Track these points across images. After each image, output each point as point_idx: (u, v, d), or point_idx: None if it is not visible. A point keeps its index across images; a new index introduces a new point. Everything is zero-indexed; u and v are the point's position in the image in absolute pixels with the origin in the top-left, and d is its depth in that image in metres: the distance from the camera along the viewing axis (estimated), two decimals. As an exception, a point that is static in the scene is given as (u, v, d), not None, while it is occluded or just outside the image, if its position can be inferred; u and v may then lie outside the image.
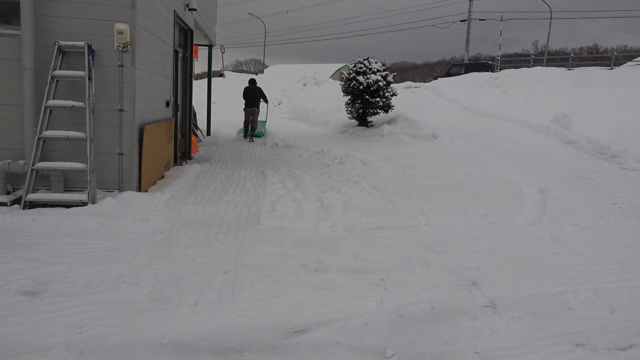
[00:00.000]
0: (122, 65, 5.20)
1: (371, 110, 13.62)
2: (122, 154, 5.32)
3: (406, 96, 18.48)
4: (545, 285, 3.50)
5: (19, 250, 3.66)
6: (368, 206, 5.51)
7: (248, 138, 12.28)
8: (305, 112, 18.62)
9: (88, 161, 4.88)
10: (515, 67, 24.19)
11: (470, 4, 32.68)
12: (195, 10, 8.34)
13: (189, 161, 8.53)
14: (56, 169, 4.98)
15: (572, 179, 7.71)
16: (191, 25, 8.63)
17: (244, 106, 12.41)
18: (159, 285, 3.21)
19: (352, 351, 2.55)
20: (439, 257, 4.00)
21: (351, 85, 13.42)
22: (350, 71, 13.78)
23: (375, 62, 13.55)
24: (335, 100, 17.18)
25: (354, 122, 14.34)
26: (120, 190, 5.37)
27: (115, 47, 5.11)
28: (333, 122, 15.41)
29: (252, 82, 12.68)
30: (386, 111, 13.58)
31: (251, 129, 12.28)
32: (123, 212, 4.72)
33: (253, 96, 12.31)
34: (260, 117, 12.84)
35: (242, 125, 13.04)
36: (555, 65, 24.98)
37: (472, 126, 13.19)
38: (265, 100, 12.56)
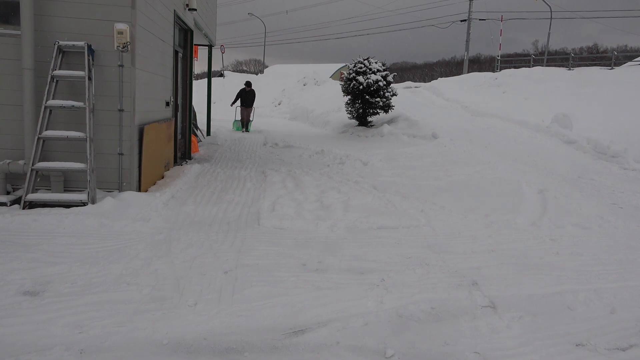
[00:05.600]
0: (122, 65, 5.20)
1: (371, 110, 13.62)
2: (122, 154, 5.32)
3: (406, 96, 18.48)
4: (545, 285, 3.50)
5: (19, 250, 3.66)
6: (368, 206, 5.51)
7: (243, 130, 14.92)
8: (305, 112, 18.63)
9: (88, 161, 4.88)
10: (515, 67, 24.21)
11: (470, 4, 32.65)
12: (195, 10, 8.34)
13: (189, 161, 8.52)
14: (56, 169, 4.98)
15: (572, 179, 7.72)
16: (191, 25, 8.63)
17: (239, 104, 15.00)
18: (159, 285, 3.21)
19: (352, 351, 2.55)
20: (439, 257, 4.00)
21: (351, 85, 13.42)
22: (350, 71, 13.78)
23: (375, 62, 13.55)
24: (335, 100, 17.18)
25: (354, 122, 14.34)
26: (120, 190, 5.37)
27: (115, 47, 5.11)
28: (333, 122, 15.41)
29: (249, 84, 15.02)
30: (386, 111, 13.58)
31: (246, 122, 14.96)
32: (123, 212, 4.72)
33: (249, 97, 14.92)
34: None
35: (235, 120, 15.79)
36: (555, 65, 25.01)
37: (472, 126, 13.19)
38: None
